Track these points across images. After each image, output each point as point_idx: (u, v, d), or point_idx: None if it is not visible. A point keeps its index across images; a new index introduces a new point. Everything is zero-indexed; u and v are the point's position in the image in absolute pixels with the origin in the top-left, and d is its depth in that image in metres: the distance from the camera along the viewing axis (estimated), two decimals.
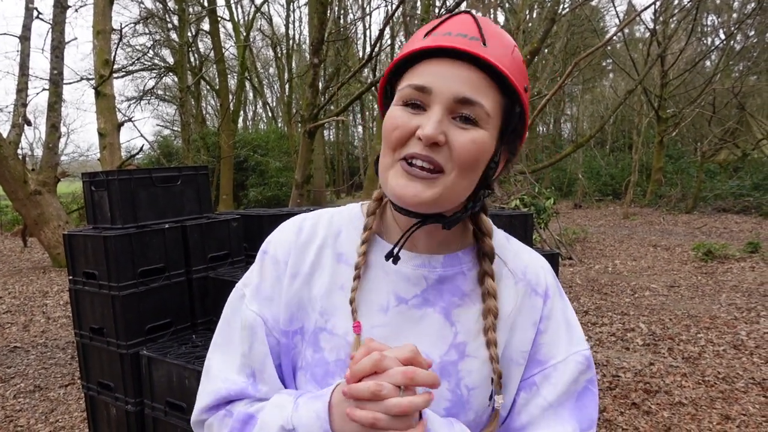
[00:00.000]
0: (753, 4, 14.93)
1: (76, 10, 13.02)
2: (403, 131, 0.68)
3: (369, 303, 0.76)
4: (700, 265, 7.62)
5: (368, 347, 0.63)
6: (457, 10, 0.72)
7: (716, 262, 7.69)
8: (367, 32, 22.89)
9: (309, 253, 0.80)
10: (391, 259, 0.74)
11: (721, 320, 5.10)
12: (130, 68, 18.03)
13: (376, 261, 0.77)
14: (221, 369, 0.79)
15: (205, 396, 0.79)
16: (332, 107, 13.51)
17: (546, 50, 17.10)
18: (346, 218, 0.83)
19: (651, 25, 14.40)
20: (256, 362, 0.77)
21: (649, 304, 5.80)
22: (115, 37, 8.78)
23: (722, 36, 18.30)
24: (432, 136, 0.65)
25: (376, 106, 21.76)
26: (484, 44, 0.67)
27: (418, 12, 12.08)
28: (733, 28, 16.33)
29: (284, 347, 0.78)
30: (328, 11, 7.36)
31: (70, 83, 13.92)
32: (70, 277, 2.45)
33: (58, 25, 9.30)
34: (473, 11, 0.72)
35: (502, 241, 0.83)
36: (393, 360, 0.62)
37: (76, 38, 16.64)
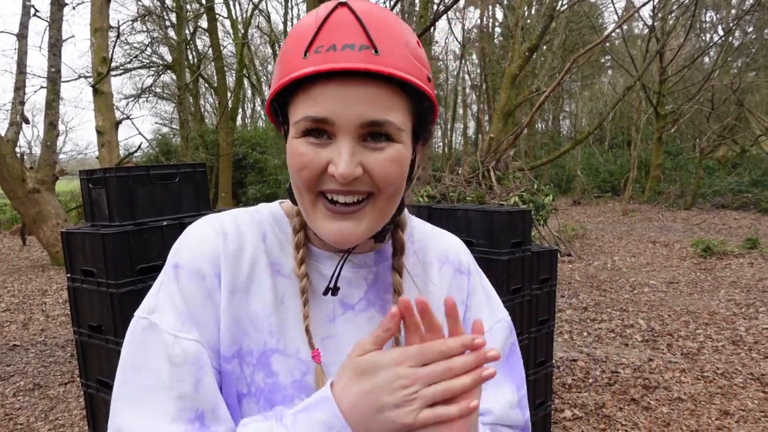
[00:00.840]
0: (751, 0, 14.93)
1: (74, 8, 13.02)
2: (312, 170, 0.62)
3: (314, 315, 0.71)
4: (699, 262, 7.63)
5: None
6: (333, 4, 0.63)
7: (715, 259, 7.70)
8: None
9: (243, 263, 0.69)
10: (329, 293, 0.71)
11: (720, 316, 5.11)
12: (128, 66, 18.01)
13: (313, 269, 0.72)
14: (145, 427, 0.61)
15: None
16: None
17: (544, 47, 17.09)
18: (268, 219, 0.75)
19: (649, 22, 14.40)
20: (206, 401, 0.63)
21: (648, 300, 5.81)
22: (112, 34, 8.77)
23: (721, 32, 18.28)
24: (347, 175, 0.60)
25: None
26: (376, 51, 0.59)
27: (417, 8, 12.07)
28: (731, 24, 16.34)
29: (226, 376, 0.67)
30: None
31: (67, 81, 13.90)
32: (69, 275, 2.44)
33: (55, 22, 9.27)
34: (348, 2, 0.63)
35: (420, 227, 0.83)
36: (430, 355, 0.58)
37: (73, 36, 16.65)
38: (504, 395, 0.77)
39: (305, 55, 0.61)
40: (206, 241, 0.69)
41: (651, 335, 4.67)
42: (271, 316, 0.69)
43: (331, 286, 0.70)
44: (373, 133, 0.62)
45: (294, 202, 0.70)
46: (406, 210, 0.79)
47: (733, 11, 18.45)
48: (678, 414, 3.24)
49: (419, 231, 0.83)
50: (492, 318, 0.81)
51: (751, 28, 18.00)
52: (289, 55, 0.63)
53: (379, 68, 0.59)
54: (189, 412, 0.63)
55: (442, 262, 0.81)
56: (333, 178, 0.61)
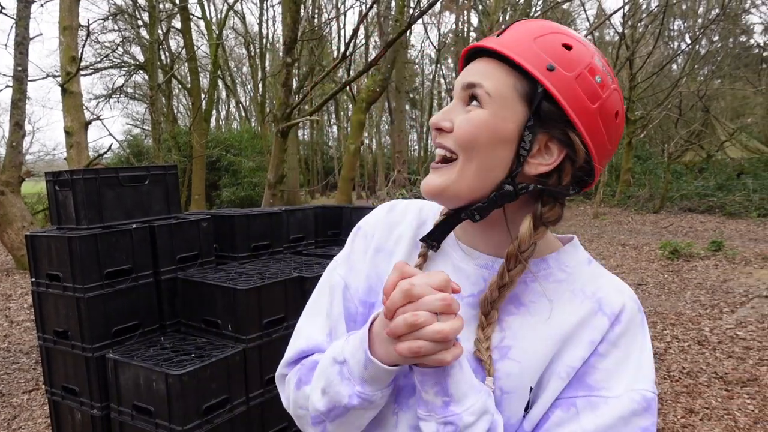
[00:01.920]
0: (717, 10, 15.40)
1: (42, 5, 12.68)
2: (432, 126, 0.74)
3: None
4: (667, 264, 7.82)
5: (400, 272, 0.64)
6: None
7: (682, 261, 7.90)
8: (342, 31, 22.84)
9: (395, 232, 0.85)
10: (432, 248, 0.79)
11: (686, 317, 5.25)
12: (99, 66, 17.62)
13: (446, 254, 0.80)
14: (305, 328, 0.85)
15: (288, 352, 0.85)
16: (306, 107, 13.44)
17: None
18: (435, 212, 0.85)
19: (620, 29, 14.72)
20: (333, 318, 0.83)
21: None
22: (82, 33, 8.57)
23: (688, 40, 18.82)
24: (433, 122, 0.72)
25: (350, 105, 21.72)
26: (499, 36, 0.70)
27: (393, 12, 12.11)
28: (698, 33, 16.83)
29: (360, 316, 0.83)
30: (302, 10, 7.32)
31: (35, 80, 13.55)
32: (33, 279, 2.38)
33: (22, 20, 9.02)
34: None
35: (575, 260, 0.78)
36: (424, 287, 0.62)
37: (41, 34, 16.17)
38: None
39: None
40: (377, 212, 0.90)
41: None
42: None
43: (429, 240, 0.78)
44: (470, 98, 0.71)
45: None
46: (552, 235, 0.79)
47: (700, 20, 19.02)
48: None
49: (574, 260, 0.78)
50: (628, 384, 0.68)
51: (716, 37, 18.58)
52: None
53: (488, 45, 0.70)
54: (327, 327, 0.83)
55: (586, 296, 0.74)
56: (435, 132, 0.74)
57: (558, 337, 0.71)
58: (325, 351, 0.79)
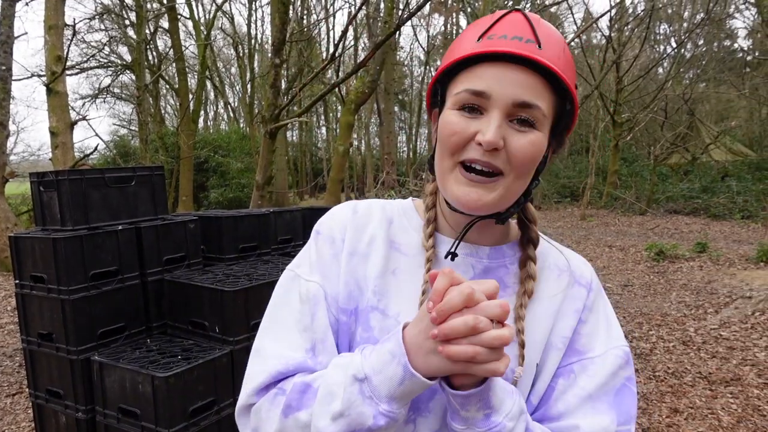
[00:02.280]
0: (702, 15, 15.61)
1: (27, 4, 12.54)
2: (461, 137, 0.70)
3: (420, 289, 0.79)
4: (653, 265, 7.90)
5: (450, 278, 0.62)
6: (511, 8, 0.75)
7: (667, 262, 7.99)
8: (331, 33, 22.83)
9: (365, 233, 0.82)
10: (449, 256, 0.78)
11: (672, 317, 5.31)
12: (85, 65, 17.44)
13: (436, 251, 0.81)
14: (272, 348, 0.77)
15: (255, 376, 0.76)
16: (295, 108, 13.40)
17: None
18: (398, 209, 0.87)
19: (607, 32, 14.87)
20: (318, 332, 0.76)
21: None
22: (68, 32, 8.48)
23: (674, 44, 19.06)
24: (493, 143, 0.67)
25: (339, 107, 21.71)
26: (539, 46, 0.69)
27: (381, 14, 12.12)
28: (683, 37, 17.04)
29: (343, 325, 0.79)
30: (290, 11, 7.30)
31: (19, 80, 13.37)
32: (17, 281, 2.35)
33: (6, 18, 8.91)
34: (524, 11, 0.75)
35: (546, 241, 0.87)
36: (481, 294, 0.62)
37: (26, 33, 15.98)
38: (600, 419, 0.74)
39: (478, 40, 0.71)
40: (339, 214, 0.85)
41: None
42: (377, 278, 0.79)
43: (452, 250, 0.77)
44: (520, 118, 0.69)
45: (432, 171, 0.79)
46: (534, 211, 0.84)
47: (685, 24, 19.27)
48: None
49: (542, 242, 0.85)
50: (608, 343, 0.79)
51: (701, 41, 18.83)
52: (463, 41, 0.74)
53: (538, 58, 0.67)
54: (307, 343, 0.76)
55: (561, 270, 0.82)
56: (476, 147, 0.70)
57: (551, 311, 0.79)
58: (309, 369, 0.74)
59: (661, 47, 21.43)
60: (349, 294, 0.79)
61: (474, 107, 0.70)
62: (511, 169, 0.70)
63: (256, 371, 0.76)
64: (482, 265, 0.80)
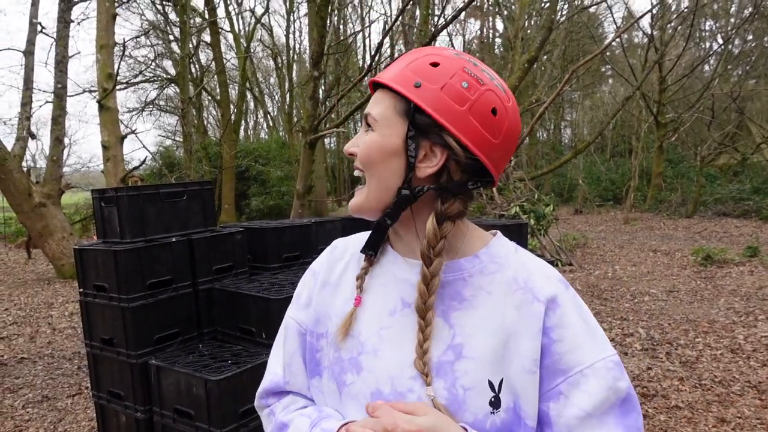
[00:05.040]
0: (750, 9, 15.05)
1: (79, 24, 13.19)
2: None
3: (380, 307, 0.85)
4: (700, 270, 7.67)
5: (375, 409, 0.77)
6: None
7: (715, 267, 7.75)
8: (367, 41, 23.08)
9: (338, 266, 0.94)
10: (367, 254, 0.88)
11: (719, 324, 5.16)
12: (133, 80, 18.21)
13: (387, 269, 0.87)
14: (271, 362, 0.97)
15: (262, 383, 0.98)
16: (333, 116, 13.62)
17: (545, 57, 17.22)
18: None
19: (649, 31, 14.52)
20: (287, 357, 0.94)
21: (649, 309, 5.86)
22: (117, 50, 8.91)
23: (720, 41, 18.41)
24: (345, 150, 0.85)
25: None
26: (382, 69, 0.86)
27: (417, 22, 12.21)
28: (731, 33, 16.45)
29: (308, 344, 0.92)
30: (328, 24, 7.47)
31: (73, 96, 14.08)
32: (81, 290, 2.53)
33: (61, 39, 9.44)
34: (436, 38, 0.88)
35: (504, 251, 0.86)
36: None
37: (79, 52, 16.85)
38: None
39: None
40: (325, 252, 0.99)
41: (650, 344, 4.72)
42: (345, 305, 0.89)
43: (366, 250, 0.87)
44: (367, 124, 0.82)
45: None
46: (470, 224, 0.88)
47: (732, 20, 18.60)
48: (675, 422, 3.29)
49: (503, 251, 0.86)
50: (595, 353, 0.78)
51: (750, 36, 18.13)
52: None
53: (376, 79, 0.83)
54: (283, 363, 0.95)
55: (517, 286, 0.81)
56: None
57: (502, 327, 0.79)
58: (282, 387, 0.94)
59: (707, 44, 20.74)
60: (317, 319, 0.91)
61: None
62: (364, 169, 0.83)
63: (264, 379, 0.98)
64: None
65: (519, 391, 0.77)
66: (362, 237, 0.94)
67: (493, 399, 0.77)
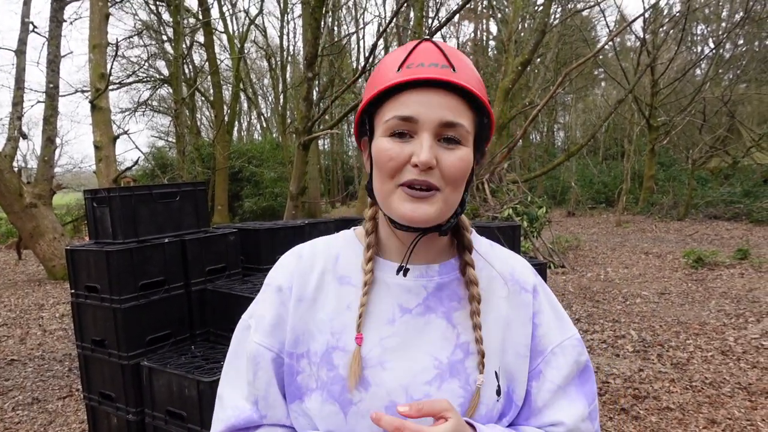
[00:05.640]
0: (741, 14, 15.19)
1: (71, 23, 13.12)
2: (397, 161, 0.75)
3: (376, 317, 0.82)
4: (691, 272, 7.73)
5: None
6: (420, 39, 0.81)
7: (706, 269, 7.80)
8: (361, 42, 23.09)
9: (311, 278, 0.86)
10: (401, 273, 0.82)
11: (710, 326, 5.20)
12: (125, 80, 18.12)
13: (378, 277, 0.84)
14: (231, 397, 0.85)
15: (217, 424, 0.85)
16: (327, 117, 13.62)
17: (538, 60, 17.31)
18: (342, 243, 0.90)
19: (641, 35, 14.63)
20: (260, 390, 0.83)
21: (640, 311, 5.89)
22: (110, 50, 8.86)
23: (711, 45, 18.58)
24: (427, 162, 0.73)
25: None
26: (454, 70, 0.76)
27: (411, 24, 12.24)
28: (722, 37, 16.59)
29: (287, 367, 0.83)
30: (322, 25, 7.48)
31: (65, 96, 14.00)
32: (72, 291, 2.51)
33: (54, 39, 9.38)
34: (434, 39, 0.81)
35: (486, 248, 0.91)
36: None
37: (71, 52, 16.70)
38: (576, 409, 0.84)
39: (398, 70, 0.76)
40: (285, 263, 0.89)
41: (642, 346, 4.75)
42: (334, 320, 0.83)
43: (404, 265, 0.82)
44: (447, 137, 0.75)
45: (372, 198, 0.84)
46: (467, 220, 0.89)
47: (724, 24, 18.76)
48: (666, 423, 3.31)
49: (484, 247, 0.91)
50: (562, 334, 0.87)
51: (741, 41, 18.30)
52: (382, 72, 0.79)
53: (457, 81, 0.75)
54: (252, 396, 0.84)
55: (506, 279, 0.87)
56: (412, 169, 0.75)
57: (501, 319, 0.84)
58: (256, 422, 0.83)
59: (699, 48, 20.91)
60: (296, 339, 0.83)
61: (404, 132, 0.75)
62: (446, 184, 0.76)
63: (218, 418, 0.85)
64: (434, 283, 0.84)
65: (514, 375, 0.84)
66: (327, 241, 0.90)
67: (497, 388, 0.81)
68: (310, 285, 0.85)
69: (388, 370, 0.79)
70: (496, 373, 0.81)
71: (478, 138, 0.81)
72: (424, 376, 0.79)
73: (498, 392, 0.81)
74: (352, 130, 0.85)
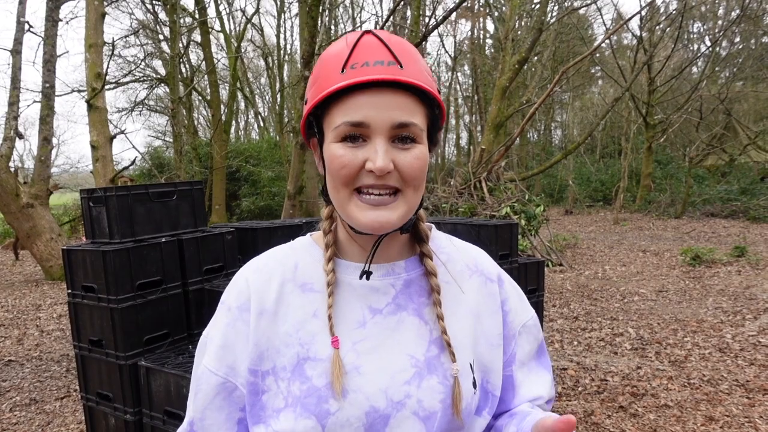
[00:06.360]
0: (737, 12, 15.23)
1: (67, 23, 13.08)
2: (351, 168, 0.72)
3: (346, 321, 0.78)
4: (688, 270, 7.74)
5: None
6: (360, 30, 0.76)
7: (704, 267, 7.82)
8: None
9: (270, 290, 0.80)
10: (364, 277, 0.80)
11: (708, 324, 5.21)
12: (122, 80, 18.07)
13: (342, 280, 0.81)
14: (188, 408, 0.84)
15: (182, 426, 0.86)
16: None
17: (535, 58, 17.31)
18: (299, 249, 0.86)
19: (638, 33, 14.65)
20: (197, 411, 0.80)
21: (638, 309, 5.90)
22: (106, 50, 8.83)
23: (708, 43, 18.60)
24: (383, 168, 0.70)
25: None
26: (401, 66, 0.72)
27: (408, 22, 12.23)
28: (718, 35, 16.63)
29: (251, 386, 0.78)
30: (319, 24, 7.47)
31: (61, 95, 13.95)
32: (69, 291, 2.50)
33: (49, 38, 9.34)
34: (373, 30, 0.77)
35: (446, 241, 0.90)
36: None
37: (67, 51, 16.69)
38: (546, 380, 0.91)
39: (342, 71, 0.72)
40: (239, 280, 0.84)
41: (640, 343, 4.75)
42: (300, 330, 0.78)
43: (366, 269, 0.80)
44: (401, 137, 0.72)
45: (327, 201, 0.82)
46: (424, 213, 0.88)
47: (720, 22, 18.79)
48: (665, 420, 3.32)
49: (445, 242, 0.90)
50: (526, 315, 0.91)
51: (738, 39, 18.34)
52: (325, 73, 0.75)
53: (406, 79, 0.71)
54: (190, 416, 0.83)
55: (471, 272, 0.88)
56: (368, 174, 0.72)
57: (471, 311, 0.85)
58: None
59: (695, 46, 20.96)
60: (260, 355, 0.77)
61: (356, 136, 0.72)
62: (406, 185, 0.73)
63: (185, 420, 0.85)
64: (402, 280, 0.82)
65: (488, 365, 0.84)
66: (284, 251, 0.86)
67: (474, 380, 0.81)
68: (270, 297, 0.80)
69: (365, 375, 0.76)
70: (471, 365, 0.81)
71: (431, 130, 0.79)
72: (402, 376, 0.76)
73: (474, 385, 0.80)
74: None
